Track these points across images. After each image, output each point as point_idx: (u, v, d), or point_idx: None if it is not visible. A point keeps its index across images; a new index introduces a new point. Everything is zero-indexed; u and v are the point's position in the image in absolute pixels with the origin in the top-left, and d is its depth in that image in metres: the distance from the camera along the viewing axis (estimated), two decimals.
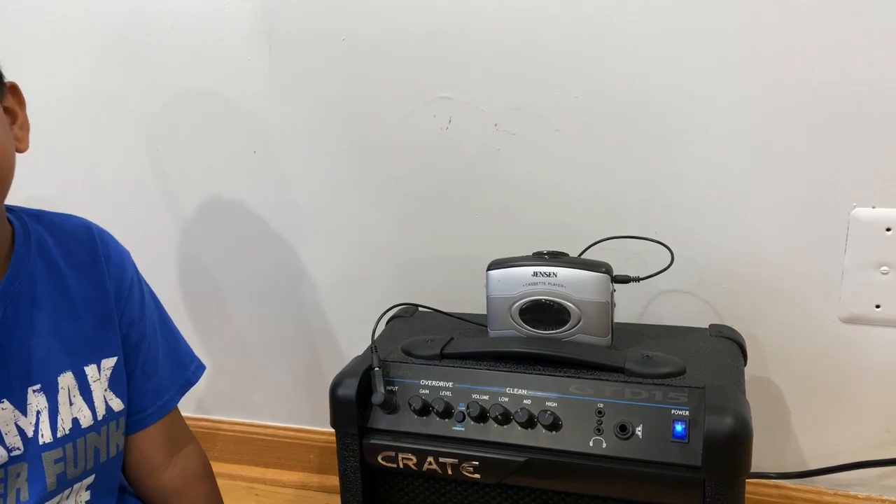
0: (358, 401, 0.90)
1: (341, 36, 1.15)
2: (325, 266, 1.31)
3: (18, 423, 0.75)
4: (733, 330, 0.99)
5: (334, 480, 1.00)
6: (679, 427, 0.81)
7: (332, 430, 0.93)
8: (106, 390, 0.83)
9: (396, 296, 1.18)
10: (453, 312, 1.06)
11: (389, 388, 0.92)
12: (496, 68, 1.10)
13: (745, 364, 0.94)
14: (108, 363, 0.84)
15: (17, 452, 0.74)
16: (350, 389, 0.91)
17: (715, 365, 0.88)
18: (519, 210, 1.15)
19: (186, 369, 0.94)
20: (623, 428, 0.82)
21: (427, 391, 0.91)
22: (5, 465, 0.74)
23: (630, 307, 1.12)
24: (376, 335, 1.00)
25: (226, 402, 1.47)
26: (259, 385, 1.44)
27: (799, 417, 1.12)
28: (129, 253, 0.91)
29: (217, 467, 1.00)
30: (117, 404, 0.84)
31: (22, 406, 0.75)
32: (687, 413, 0.81)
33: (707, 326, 1.00)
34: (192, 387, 0.94)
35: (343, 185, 1.24)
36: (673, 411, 0.82)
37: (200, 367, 0.96)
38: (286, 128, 1.24)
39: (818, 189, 1.01)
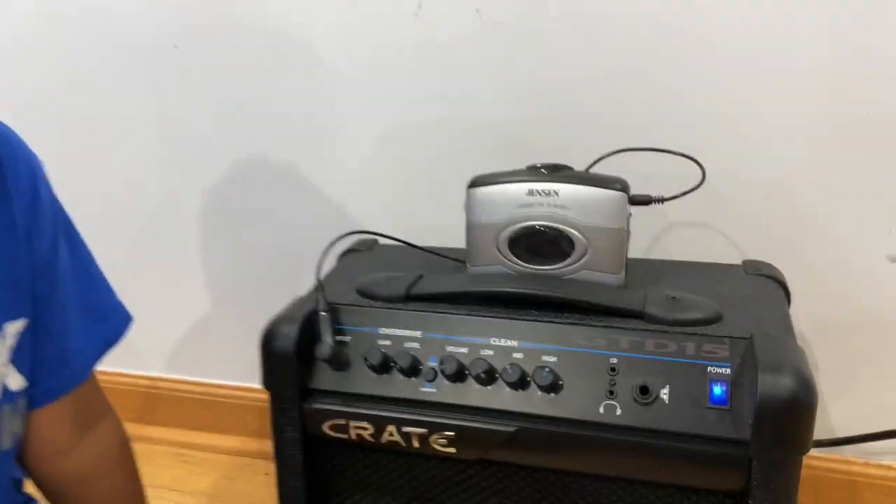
0: (298, 354, 0.69)
1: None
2: (267, 192, 1.08)
3: None
4: (772, 267, 0.80)
5: None
6: (718, 389, 0.62)
7: None
8: (5, 364, 0.59)
9: (352, 226, 0.96)
10: (424, 246, 0.85)
11: (339, 338, 0.72)
12: None
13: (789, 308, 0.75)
14: (13, 328, 0.59)
15: None
16: (287, 340, 0.70)
17: (757, 309, 0.69)
18: (509, 117, 0.94)
19: (106, 324, 0.69)
20: (644, 390, 0.63)
21: (388, 342, 0.70)
22: None
23: (643, 241, 0.92)
24: (323, 272, 0.78)
25: (148, 354, 1.24)
26: (188, 334, 1.22)
27: (828, 376, 0.94)
28: (40, 160, 0.62)
29: (136, 430, 0.78)
30: (16, 381, 0.60)
31: None
32: (728, 371, 0.62)
33: (740, 263, 0.81)
34: (112, 347, 0.69)
35: None
36: (710, 369, 0.63)
37: (124, 321, 0.71)
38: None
39: (867, 112, 0.82)
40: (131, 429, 0.75)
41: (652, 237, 0.93)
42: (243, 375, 1.18)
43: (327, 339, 0.69)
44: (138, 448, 0.75)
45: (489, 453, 0.67)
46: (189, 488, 1.14)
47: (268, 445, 0.75)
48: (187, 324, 1.21)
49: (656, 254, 0.93)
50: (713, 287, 0.73)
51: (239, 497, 1.11)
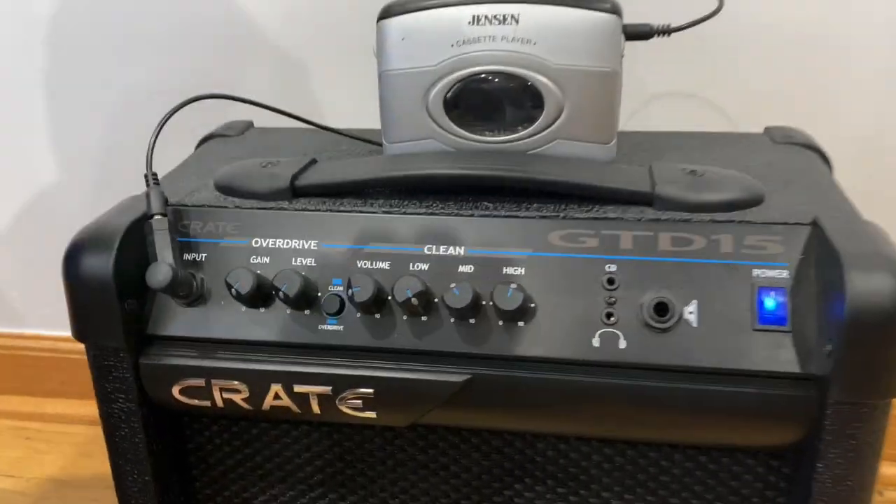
0: (120, 284, 0.44)
1: None
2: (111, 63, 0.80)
3: None
4: (803, 133, 0.58)
5: None
6: (771, 302, 0.41)
7: None
8: None
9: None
10: (324, 125, 0.59)
11: (189, 255, 0.46)
12: None
13: None
14: None
15: None
16: (100, 263, 0.44)
17: (805, 185, 0.48)
18: None
19: None
20: (660, 309, 0.41)
21: (266, 259, 0.46)
22: None
23: (631, 105, 0.69)
24: (167, 163, 0.52)
25: None
26: (18, 275, 0.93)
27: None
28: None
29: None
30: None
31: None
32: (786, 274, 0.41)
33: (762, 131, 0.60)
34: None
35: None
36: (757, 272, 0.42)
37: None
38: None
39: None
40: None
41: (639, 100, 0.70)
42: None
43: (165, 257, 0.44)
44: None
45: (427, 416, 0.45)
46: (32, 473, 0.87)
47: None
48: (12, 258, 0.92)
49: (649, 125, 0.70)
50: (738, 161, 0.51)
51: (98, 480, 0.85)
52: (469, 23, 0.45)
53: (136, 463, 0.49)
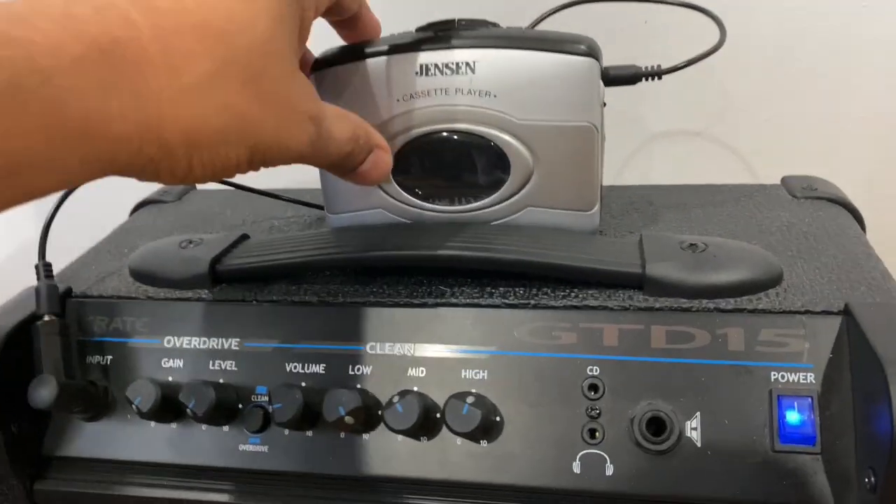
0: (5, 401, 0.37)
1: None
2: None
3: None
4: (829, 183, 0.50)
5: None
6: (795, 416, 0.32)
7: None
8: None
9: None
10: (268, 189, 0.52)
11: (93, 358, 0.39)
12: None
13: None
14: None
15: None
16: None
17: (833, 254, 0.39)
18: None
19: None
20: (655, 425, 0.33)
21: (179, 363, 0.38)
22: None
23: (618, 160, 0.61)
24: (90, 236, 0.45)
25: None
26: None
27: None
28: None
29: None
30: None
31: None
32: (812, 378, 0.33)
33: (779, 181, 0.51)
34: None
35: None
36: (776, 375, 0.33)
37: None
38: None
39: None
40: None
41: (628, 151, 0.62)
42: None
43: (52, 369, 0.36)
44: None
45: None
46: None
47: None
48: None
49: (635, 179, 0.62)
50: (750, 224, 0.43)
51: None
52: (418, 73, 0.38)
53: None
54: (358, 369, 0.37)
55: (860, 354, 0.32)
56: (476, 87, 0.37)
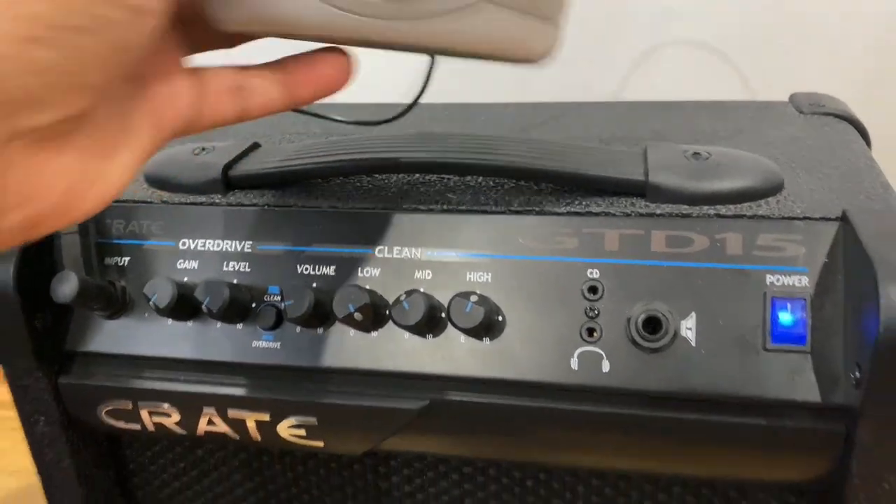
0: (25, 298, 0.38)
1: None
2: None
3: None
4: (838, 100, 0.50)
5: None
6: (787, 317, 0.34)
7: None
8: None
9: None
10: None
11: (110, 259, 0.40)
12: None
13: None
14: None
15: None
16: (1, 271, 0.38)
17: (835, 168, 0.40)
18: None
19: None
20: (651, 324, 0.34)
21: (194, 264, 0.40)
22: None
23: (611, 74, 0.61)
24: None
25: None
26: None
27: None
28: None
29: None
30: None
31: None
32: (806, 281, 0.34)
33: (787, 99, 0.51)
34: None
35: None
36: (771, 278, 0.34)
37: None
38: None
39: None
40: None
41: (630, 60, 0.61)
42: None
43: (72, 266, 0.38)
44: None
45: (383, 445, 0.39)
46: (19, 465, 0.84)
47: None
48: None
49: (633, 94, 0.62)
50: (756, 137, 0.43)
51: None
52: None
53: (67, 491, 0.43)
54: (367, 272, 0.38)
55: (854, 258, 0.33)
56: None
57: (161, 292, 0.37)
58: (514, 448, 0.38)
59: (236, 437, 0.40)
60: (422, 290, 0.36)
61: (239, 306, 0.38)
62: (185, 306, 0.38)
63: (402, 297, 0.35)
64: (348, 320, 0.36)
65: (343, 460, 0.42)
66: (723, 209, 0.36)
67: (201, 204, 0.41)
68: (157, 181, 0.43)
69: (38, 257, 0.39)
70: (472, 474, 0.41)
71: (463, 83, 0.56)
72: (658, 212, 0.36)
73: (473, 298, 0.35)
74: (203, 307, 0.37)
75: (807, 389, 0.33)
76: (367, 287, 0.37)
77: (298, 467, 0.43)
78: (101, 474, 0.45)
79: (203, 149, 0.43)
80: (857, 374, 0.31)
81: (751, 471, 0.36)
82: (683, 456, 0.36)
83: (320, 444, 0.39)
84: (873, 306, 0.30)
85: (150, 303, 0.38)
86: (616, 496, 0.40)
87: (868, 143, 0.45)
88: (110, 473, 0.45)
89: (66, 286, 0.37)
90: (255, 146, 0.44)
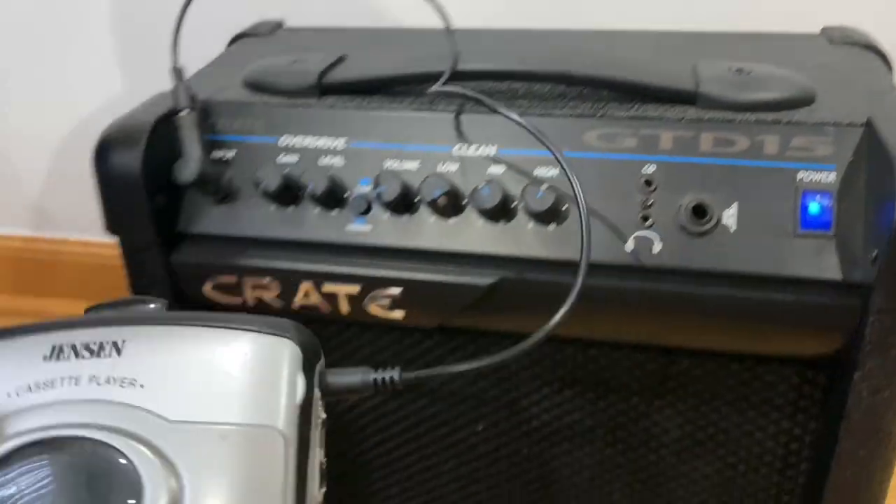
0: (149, 179, 0.44)
1: None
2: None
3: None
4: (864, 33, 0.54)
5: None
6: (815, 206, 0.39)
7: None
8: None
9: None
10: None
11: (218, 153, 0.46)
12: None
13: None
14: None
15: None
16: (128, 157, 0.44)
17: (860, 87, 0.45)
18: None
19: None
20: (699, 211, 0.40)
21: (294, 158, 0.45)
22: None
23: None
24: (194, 61, 0.51)
25: (17, 205, 0.98)
26: (73, 177, 0.95)
27: None
28: None
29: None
30: None
31: None
32: (832, 177, 0.39)
33: (819, 31, 0.56)
34: None
35: None
36: (802, 175, 0.40)
37: None
38: None
39: None
40: None
41: None
42: None
43: (192, 153, 0.44)
44: None
45: (454, 318, 0.45)
46: None
47: None
48: (71, 162, 0.94)
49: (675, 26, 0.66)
50: (790, 62, 0.48)
51: None
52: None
53: None
54: (446, 167, 0.43)
55: (876, 157, 0.38)
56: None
57: (271, 177, 0.43)
58: (571, 324, 0.44)
59: (328, 309, 0.46)
60: (495, 181, 0.42)
61: (335, 194, 0.44)
62: (288, 193, 0.44)
63: (481, 185, 0.41)
64: (432, 205, 0.42)
65: (418, 335, 0.48)
66: (763, 116, 0.41)
67: (299, 106, 0.46)
68: (256, 87, 0.48)
69: (161, 145, 0.44)
70: (529, 350, 0.47)
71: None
72: (706, 117, 0.41)
73: (544, 186, 0.40)
74: (308, 192, 0.43)
75: (830, 269, 0.39)
76: (447, 178, 0.42)
77: (378, 341, 0.49)
78: None
79: (298, 59, 0.48)
80: (875, 254, 0.37)
81: (778, 345, 0.42)
82: (721, 330, 0.42)
83: (400, 315, 0.45)
84: (891, 197, 0.36)
85: (260, 187, 0.43)
86: (656, 370, 0.46)
87: (891, 70, 0.50)
88: None
89: (188, 170, 0.43)
90: (342, 58, 0.49)
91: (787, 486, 0.47)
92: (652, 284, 0.41)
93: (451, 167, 0.43)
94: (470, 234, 0.43)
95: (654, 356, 0.45)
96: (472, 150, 0.43)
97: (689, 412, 0.46)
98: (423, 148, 0.44)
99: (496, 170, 0.43)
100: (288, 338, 0.29)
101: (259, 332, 0.28)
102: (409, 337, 0.49)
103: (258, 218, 0.45)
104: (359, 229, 0.44)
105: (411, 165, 0.44)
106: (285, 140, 0.46)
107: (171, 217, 0.46)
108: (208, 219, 0.46)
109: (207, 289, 0.47)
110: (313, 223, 0.45)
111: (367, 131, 0.45)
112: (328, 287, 0.45)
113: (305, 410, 0.28)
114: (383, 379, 0.33)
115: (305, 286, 0.45)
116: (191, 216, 0.46)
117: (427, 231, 0.43)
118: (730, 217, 0.40)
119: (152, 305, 0.32)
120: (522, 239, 0.42)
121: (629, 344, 0.45)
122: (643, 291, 0.41)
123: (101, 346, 0.28)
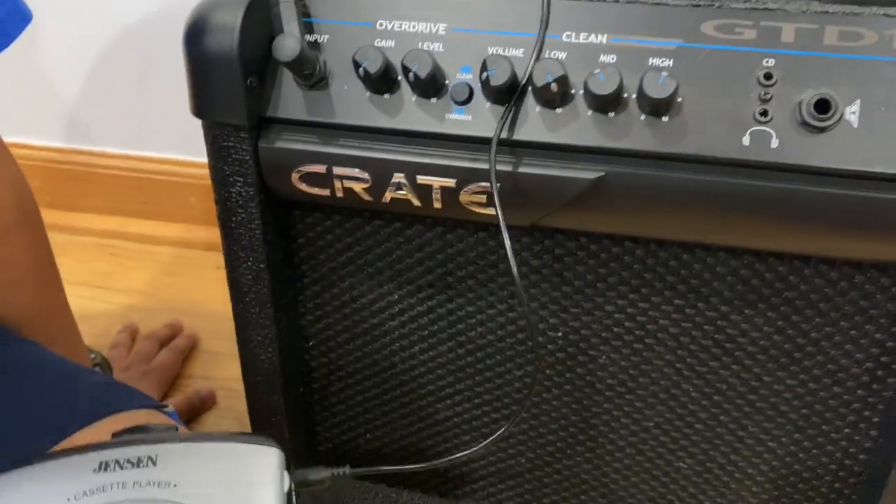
0: (244, 57, 0.42)
1: None
2: None
3: None
4: None
5: None
6: None
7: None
8: None
9: None
10: None
11: (314, 36, 0.44)
12: None
13: None
14: None
15: None
16: (225, 33, 0.42)
17: None
18: None
19: None
20: (821, 106, 0.39)
21: (391, 42, 0.44)
22: None
23: None
24: None
25: (55, 117, 0.96)
26: (110, 88, 0.93)
27: None
28: None
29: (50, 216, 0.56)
30: None
31: None
32: None
33: None
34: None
35: None
36: None
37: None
38: None
39: None
40: None
41: None
42: (185, 146, 0.91)
43: (292, 30, 0.42)
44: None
45: (551, 217, 0.43)
46: (119, 285, 0.90)
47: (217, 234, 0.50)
48: (108, 73, 0.92)
49: None
50: None
51: (182, 295, 0.88)
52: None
53: (251, 250, 0.49)
54: (555, 54, 0.42)
55: None
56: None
57: (371, 59, 0.41)
58: (676, 224, 0.43)
59: (419, 204, 0.45)
60: (608, 68, 0.40)
61: (435, 81, 0.42)
62: (385, 78, 0.42)
63: (597, 71, 0.39)
64: (543, 90, 0.40)
65: (513, 234, 0.47)
66: (891, 10, 0.39)
67: None
68: None
69: (255, 24, 0.43)
70: (620, 254, 0.46)
71: None
72: (832, 10, 0.40)
73: (655, 78, 0.39)
74: (409, 75, 0.41)
75: None
76: (557, 63, 0.41)
77: (459, 244, 0.48)
78: (278, 242, 0.50)
79: None
80: None
81: (887, 251, 0.41)
82: (832, 233, 0.41)
83: (495, 212, 0.44)
84: None
85: (360, 69, 0.42)
86: (750, 277, 0.45)
87: None
88: (282, 243, 0.51)
89: (289, 47, 0.41)
90: None
91: (872, 400, 0.47)
92: (766, 182, 0.40)
93: (559, 54, 0.42)
94: (577, 126, 0.41)
95: (749, 261, 0.45)
96: (582, 38, 0.42)
97: (780, 321, 0.46)
98: (529, 35, 0.42)
99: (608, 59, 0.41)
100: (274, 446, 0.39)
101: (253, 443, 0.39)
102: (494, 239, 0.48)
103: (352, 104, 0.44)
104: (458, 118, 0.43)
105: (516, 52, 0.42)
106: (382, 25, 0.44)
107: (262, 101, 0.45)
108: (299, 104, 0.44)
109: (294, 178, 0.46)
110: (409, 112, 0.43)
111: (469, 16, 0.43)
112: (422, 179, 0.44)
113: (289, 497, 0.38)
114: (336, 473, 0.44)
115: (398, 178, 0.44)
116: (280, 101, 0.45)
117: (531, 122, 0.42)
118: (852, 114, 0.39)
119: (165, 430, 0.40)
120: (632, 132, 0.41)
121: (725, 247, 0.44)
122: (757, 189, 0.40)
123: (140, 460, 0.37)
